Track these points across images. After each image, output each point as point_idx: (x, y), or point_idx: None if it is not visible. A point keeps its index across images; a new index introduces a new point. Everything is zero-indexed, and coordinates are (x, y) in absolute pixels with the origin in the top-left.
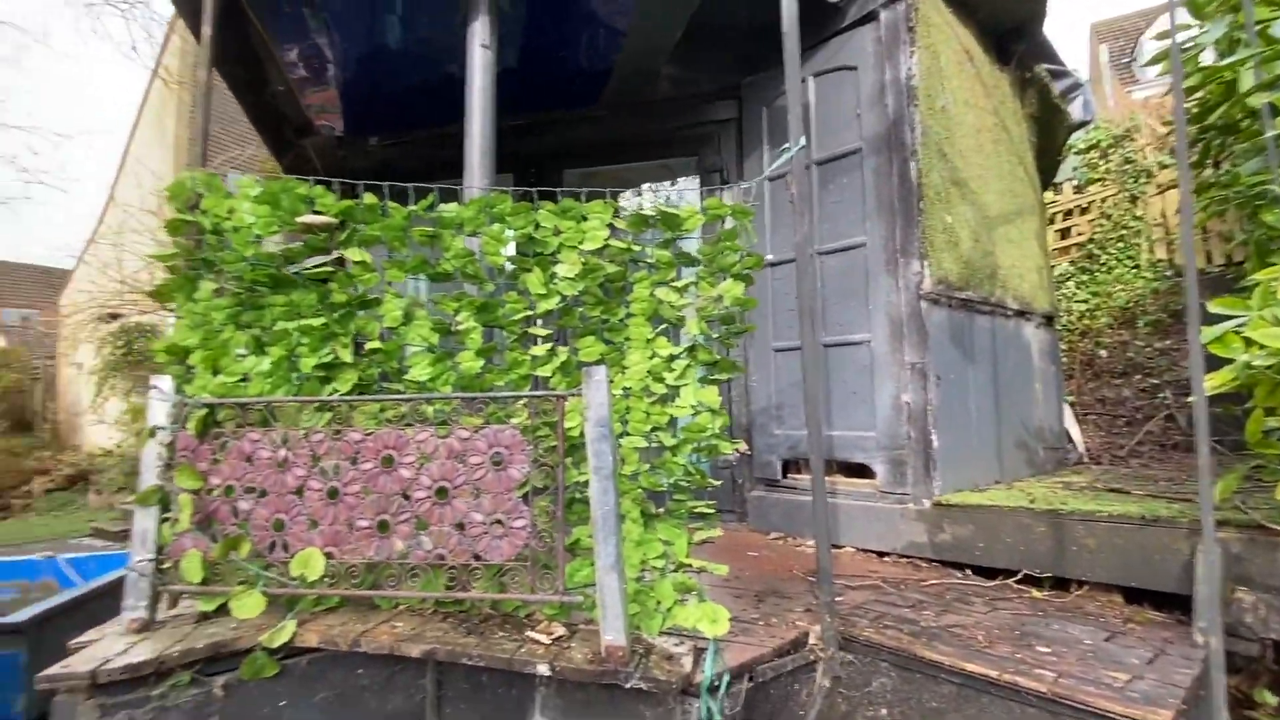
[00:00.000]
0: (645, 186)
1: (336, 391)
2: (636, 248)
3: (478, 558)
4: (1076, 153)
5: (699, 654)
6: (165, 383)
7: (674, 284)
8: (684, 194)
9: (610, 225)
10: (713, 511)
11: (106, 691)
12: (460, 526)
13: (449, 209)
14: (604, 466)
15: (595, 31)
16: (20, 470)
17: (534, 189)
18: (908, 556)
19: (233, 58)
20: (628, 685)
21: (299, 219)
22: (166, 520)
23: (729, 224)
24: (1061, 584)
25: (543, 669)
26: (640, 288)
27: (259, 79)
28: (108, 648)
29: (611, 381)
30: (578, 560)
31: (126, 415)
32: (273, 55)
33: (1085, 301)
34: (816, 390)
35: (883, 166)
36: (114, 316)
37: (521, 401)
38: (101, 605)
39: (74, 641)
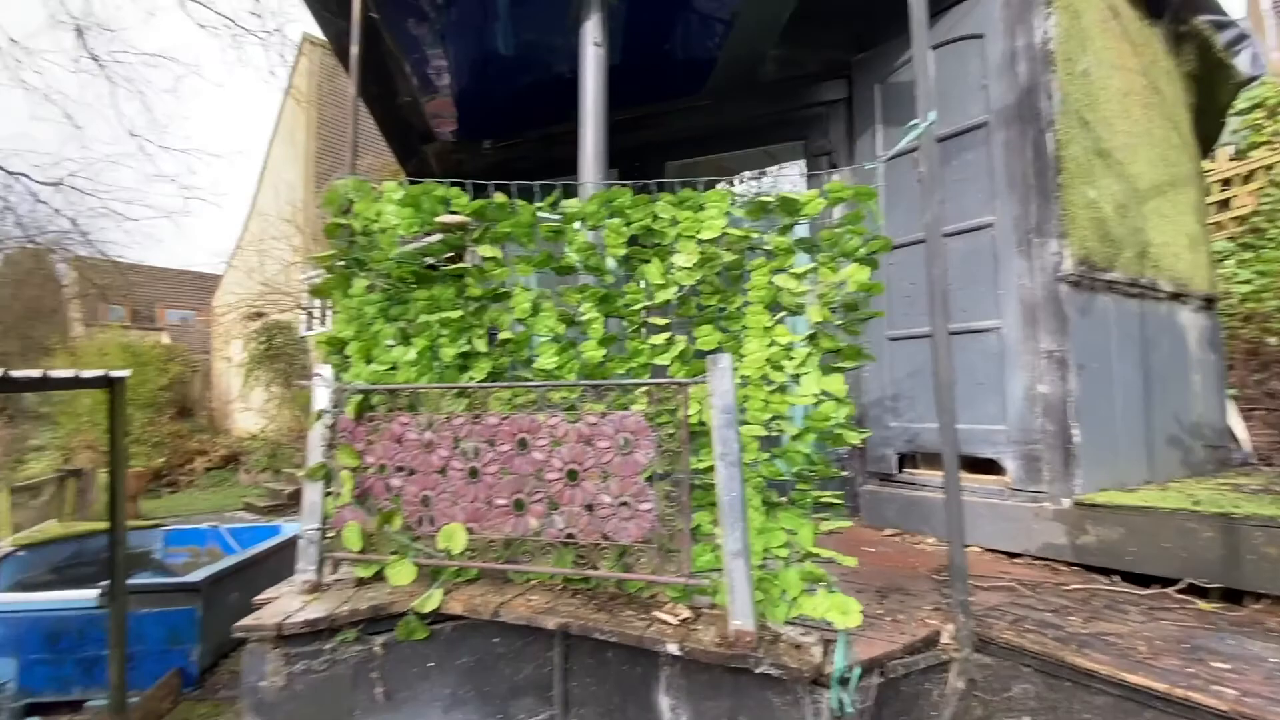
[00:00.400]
0: (748, 173)
1: (473, 379)
2: (755, 234)
3: (606, 538)
4: (1236, 114)
5: (827, 645)
6: (326, 370)
7: (793, 270)
8: (783, 180)
9: (726, 213)
10: (839, 502)
11: (289, 642)
12: (590, 508)
13: (571, 204)
14: (730, 453)
15: (702, 21)
16: (185, 451)
17: (651, 181)
18: (1043, 559)
19: (368, 74)
20: (757, 670)
21: (437, 219)
22: (330, 494)
23: (841, 210)
24: (1232, 596)
25: (672, 648)
26: (758, 275)
27: (389, 92)
28: (286, 605)
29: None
30: (699, 545)
31: (268, 404)
32: (401, 69)
33: (1249, 282)
34: (948, 381)
35: (1014, 140)
36: (258, 315)
37: (642, 389)
38: (259, 570)
39: (258, 598)
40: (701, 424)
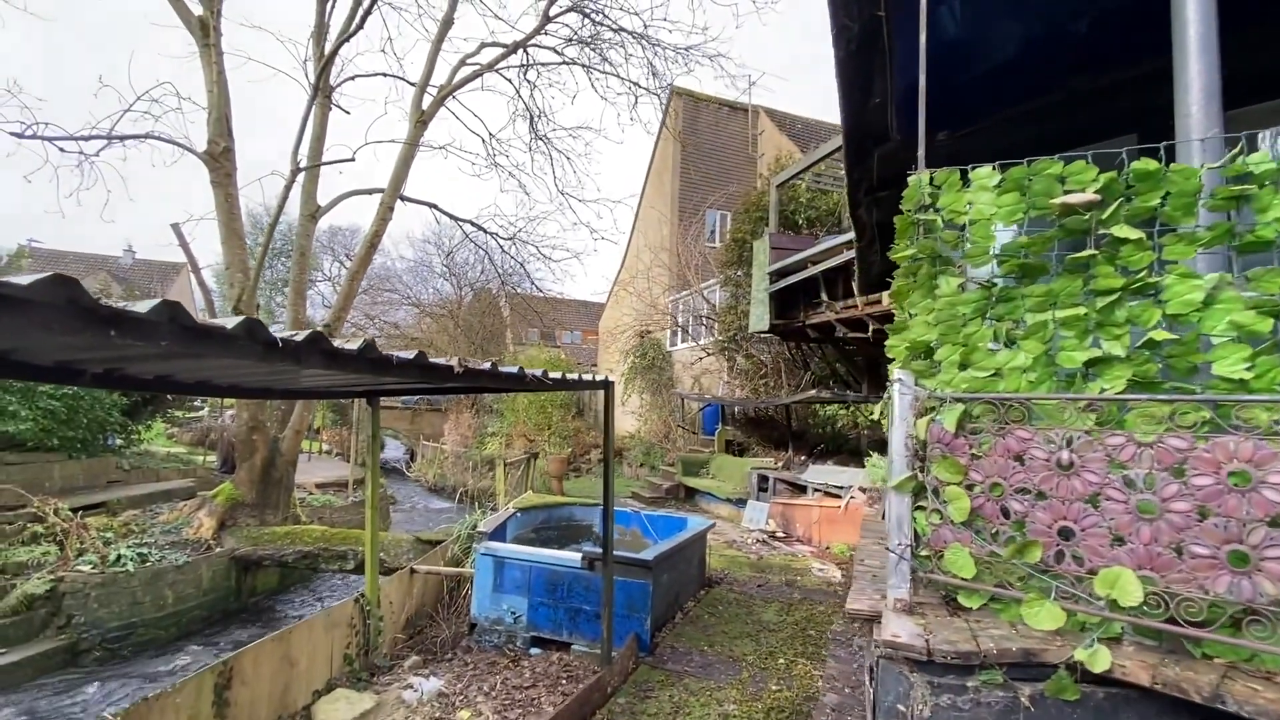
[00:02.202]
0: None
1: (1104, 390)
2: None
3: None
4: None
5: None
6: (906, 377)
7: None
8: None
9: None
10: None
11: (931, 670)
12: None
13: (1256, 160)
14: None
15: None
16: (583, 444)
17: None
18: None
19: (855, 78)
20: None
21: (1054, 200)
22: (920, 509)
23: None
24: None
25: None
26: None
27: (866, 95)
28: (900, 625)
29: None
30: None
31: (641, 408)
32: (884, 68)
33: None
34: None
35: None
36: (646, 333)
37: None
38: (679, 556)
39: (851, 606)
40: None
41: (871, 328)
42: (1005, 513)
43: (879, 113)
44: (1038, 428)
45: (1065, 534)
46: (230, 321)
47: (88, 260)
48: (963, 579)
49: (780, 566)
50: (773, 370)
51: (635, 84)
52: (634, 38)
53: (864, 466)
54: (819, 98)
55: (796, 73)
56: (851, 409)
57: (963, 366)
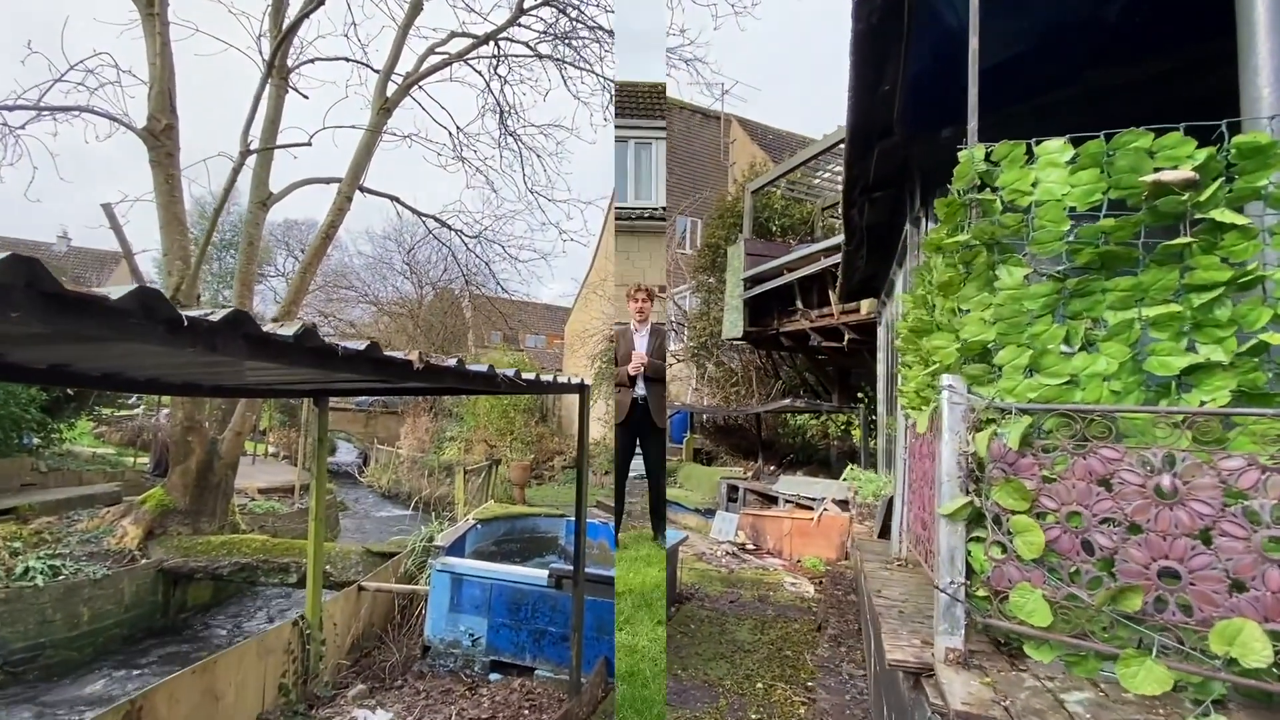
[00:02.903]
0: None
1: (1203, 403)
2: None
3: None
4: None
5: None
6: (958, 383)
7: None
8: None
9: None
10: None
11: None
12: None
13: None
14: None
15: None
16: (546, 450)
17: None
18: None
19: (869, 57)
20: None
21: (1145, 178)
22: (975, 540)
23: None
24: None
25: None
26: None
27: (877, 78)
28: (964, 686)
29: None
30: None
31: (606, 414)
32: (900, 50)
33: None
34: None
35: None
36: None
37: None
38: None
39: (891, 657)
40: None
41: (847, 337)
42: (1088, 548)
43: (885, 102)
44: (1126, 446)
45: (1167, 576)
46: (116, 291)
47: (16, 247)
48: (1034, 627)
49: (752, 581)
50: (743, 378)
51: (611, 80)
52: (611, 36)
53: (835, 477)
54: (789, 115)
55: (768, 88)
56: (823, 419)
57: (1029, 372)
